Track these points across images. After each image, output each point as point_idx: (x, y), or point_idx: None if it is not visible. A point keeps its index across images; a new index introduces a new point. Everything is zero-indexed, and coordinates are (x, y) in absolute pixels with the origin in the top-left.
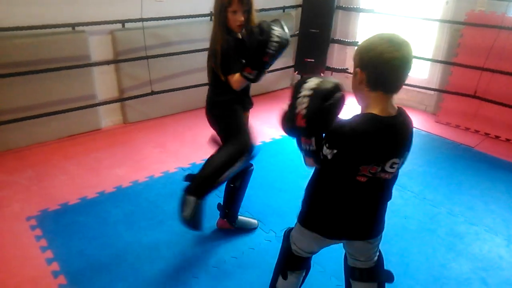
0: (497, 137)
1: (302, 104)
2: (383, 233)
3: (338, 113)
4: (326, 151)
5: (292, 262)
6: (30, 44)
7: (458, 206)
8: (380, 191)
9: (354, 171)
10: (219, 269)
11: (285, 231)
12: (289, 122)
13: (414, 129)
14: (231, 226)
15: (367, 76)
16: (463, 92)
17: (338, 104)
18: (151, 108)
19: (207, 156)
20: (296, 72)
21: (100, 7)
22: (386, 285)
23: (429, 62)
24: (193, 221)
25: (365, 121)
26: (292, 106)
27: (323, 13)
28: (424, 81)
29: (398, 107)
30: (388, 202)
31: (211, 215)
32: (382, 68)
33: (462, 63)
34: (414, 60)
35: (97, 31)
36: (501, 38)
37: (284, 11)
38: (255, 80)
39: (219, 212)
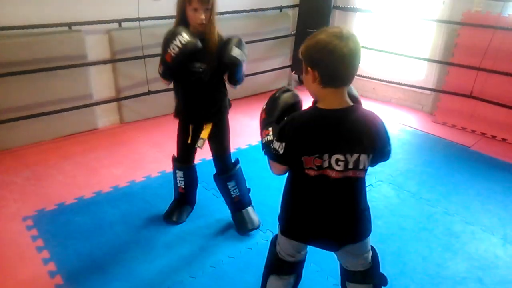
0: (493, 137)
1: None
2: (380, 233)
3: (290, 107)
4: (276, 143)
5: (276, 265)
6: (26, 43)
7: (455, 205)
8: (334, 191)
9: (299, 163)
10: (216, 269)
11: (273, 235)
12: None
13: (410, 129)
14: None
15: (319, 74)
16: (460, 92)
17: (294, 96)
18: (148, 107)
19: (203, 155)
20: (293, 72)
21: (96, 6)
22: None
23: (426, 62)
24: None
25: (306, 113)
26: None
27: (320, 13)
28: (421, 81)
29: (355, 104)
30: (365, 209)
31: (209, 215)
32: (334, 65)
33: (458, 63)
34: (362, 51)
35: (93, 30)
36: (497, 38)
37: (281, 10)
38: (163, 75)
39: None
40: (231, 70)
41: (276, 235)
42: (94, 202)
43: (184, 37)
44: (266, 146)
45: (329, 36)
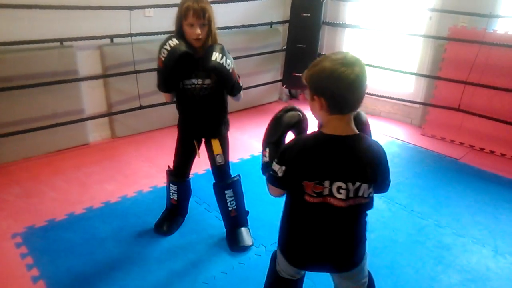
0: (481, 149)
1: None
2: (373, 246)
3: (292, 127)
4: (275, 166)
5: (276, 283)
6: (18, 59)
7: (446, 217)
8: (336, 219)
9: (300, 189)
10: (209, 285)
11: (274, 251)
12: None
13: (400, 142)
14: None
15: (326, 102)
16: (448, 106)
17: (296, 116)
18: (139, 122)
19: (195, 170)
20: (284, 86)
21: (88, 22)
22: None
23: (414, 76)
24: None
25: (310, 137)
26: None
27: (310, 29)
28: (410, 94)
29: (361, 133)
30: (364, 235)
31: (201, 230)
32: (341, 92)
33: (446, 77)
34: (367, 76)
35: (85, 46)
36: (483, 52)
37: (271, 26)
38: (158, 85)
39: (212, 228)
40: (219, 77)
41: (276, 252)
42: (85, 218)
43: (174, 41)
44: (264, 167)
45: (334, 64)
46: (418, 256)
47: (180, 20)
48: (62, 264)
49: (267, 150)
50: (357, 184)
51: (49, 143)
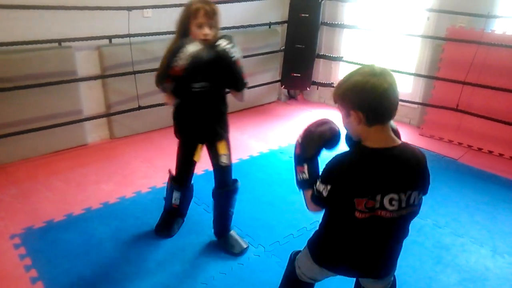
0: (479, 149)
1: (299, 135)
2: None
3: (331, 142)
4: (320, 186)
5: (294, 286)
6: (16, 59)
7: (444, 217)
8: (385, 230)
9: (349, 206)
10: (208, 286)
11: (291, 254)
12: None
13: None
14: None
15: (364, 115)
16: (446, 106)
17: (332, 131)
18: (138, 123)
19: (194, 170)
20: (283, 87)
21: (87, 22)
22: None
23: (412, 77)
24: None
25: (355, 153)
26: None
27: (309, 29)
28: (408, 95)
29: (403, 142)
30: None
31: (200, 231)
32: (378, 103)
33: (444, 77)
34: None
35: (84, 46)
36: (481, 53)
37: (270, 27)
38: (172, 92)
39: (211, 228)
40: (222, 64)
41: (295, 256)
42: (83, 219)
43: (195, 46)
44: (302, 184)
45: (364, 76)
46: (417, 256)
47: (187, 20)
48: (61, 265)
49: (305, 166)
50: (409, 193)
51: (47, 144)
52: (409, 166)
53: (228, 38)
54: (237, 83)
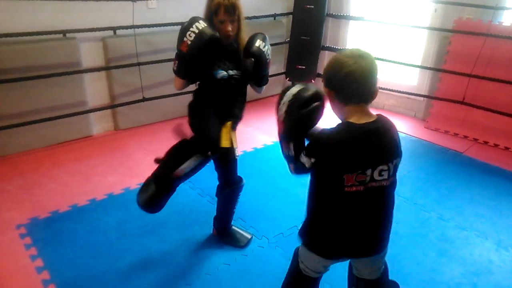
0: (485, 142)
1: (282, 110)
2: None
3: (315, 120)
4: (303, 158)
5: (300, 282)
6: (20, 50)
7: (449, 210)
8: (377, 202)
9: (339, 182)
10: (212, 276)
11: (295, 249)
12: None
13: (403, 134)
14: (220, 235)
15: (335, 93)
16: (452, 99)
17: (315, 111)
18: (142, 114)
19: None
20: (288, 79)
21: (91, 14)
22: None
23: (418, 69)
24: (146, 206)
25: (341, 130)
26: (276, 111)
27: (314, 21)
28: (414, 87)
29: (377, 114)
30: (393, 212)
31: (204, 222)
32: (344, 82)
33: (450, 69)
34: (377, 69)
35: (88, 38)
36: (488, 45)
37: (275, 18)
38: (178, 72)
39: (212, 221)
40: (257, 64)
41: (298, 250)
42: (88, 210)
43: (201, 24)
44: (287, 158)
45: (340, 57)
46: (421, 249)
47: (210, 16)
48: (66, 255)
49: (291, 144)
50: (395, 161)
51: (52, 135)
52: (391, 135)
53: (263, 37)
54: (262, 80)
